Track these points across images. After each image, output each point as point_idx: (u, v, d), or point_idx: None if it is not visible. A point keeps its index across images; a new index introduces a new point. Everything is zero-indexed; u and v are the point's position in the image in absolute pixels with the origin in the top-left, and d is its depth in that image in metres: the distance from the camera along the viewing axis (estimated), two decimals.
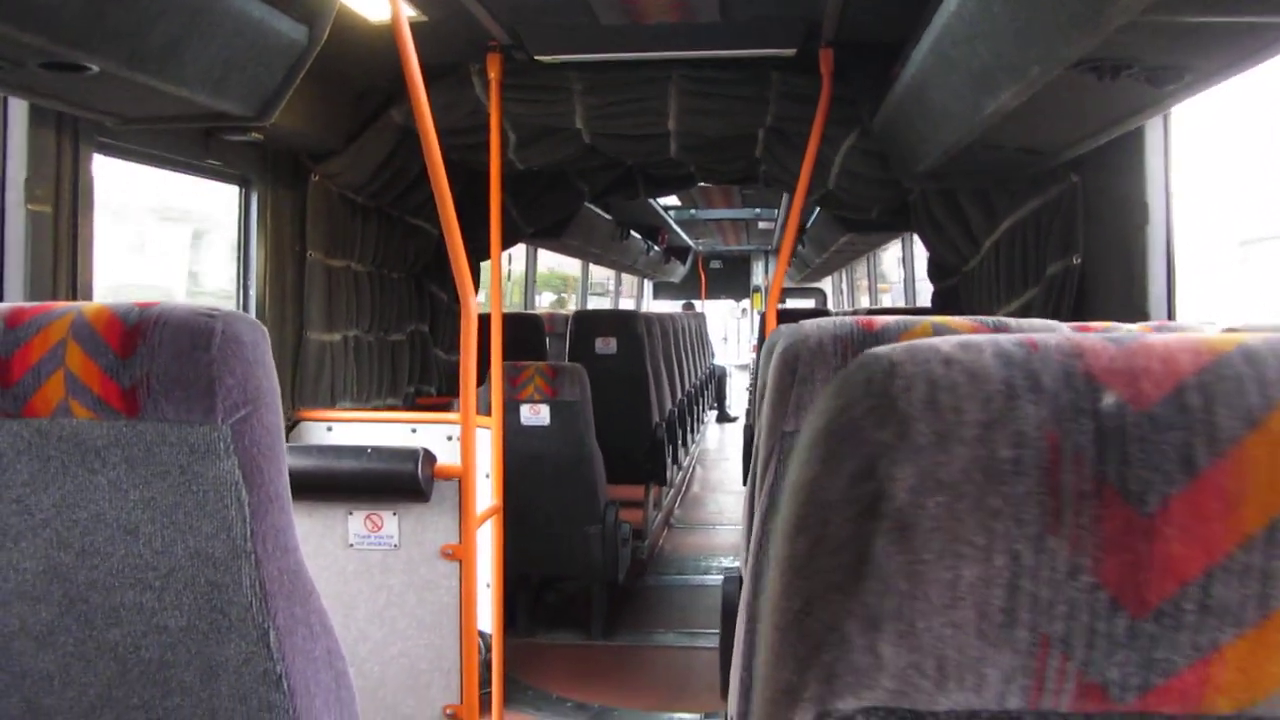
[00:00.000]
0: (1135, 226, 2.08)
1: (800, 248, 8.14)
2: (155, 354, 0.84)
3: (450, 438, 2.57)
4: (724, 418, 11.08)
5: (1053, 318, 2.34)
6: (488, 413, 2.59)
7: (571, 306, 10.77)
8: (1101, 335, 0.45)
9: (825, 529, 0.46)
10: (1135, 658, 0.43)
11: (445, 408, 3.49)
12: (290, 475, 0.92)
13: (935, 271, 3.47)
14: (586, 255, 8.25)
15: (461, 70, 2.92)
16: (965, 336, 0.46)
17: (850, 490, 0.45)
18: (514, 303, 7.55)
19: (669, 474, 5.03)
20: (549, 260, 7.38)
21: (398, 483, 2.00)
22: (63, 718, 0.89)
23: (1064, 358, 0.44)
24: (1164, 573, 0.42)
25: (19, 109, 1.87)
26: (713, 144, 3.18)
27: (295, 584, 0.90)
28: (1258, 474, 0.41)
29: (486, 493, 2.49)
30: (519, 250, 7.07)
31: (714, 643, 3.46)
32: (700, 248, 12.26)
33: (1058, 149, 2.13)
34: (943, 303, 3.37)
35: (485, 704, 2.30)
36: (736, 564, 4.57)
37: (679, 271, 12.39)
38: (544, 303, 10.92)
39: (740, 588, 1.34)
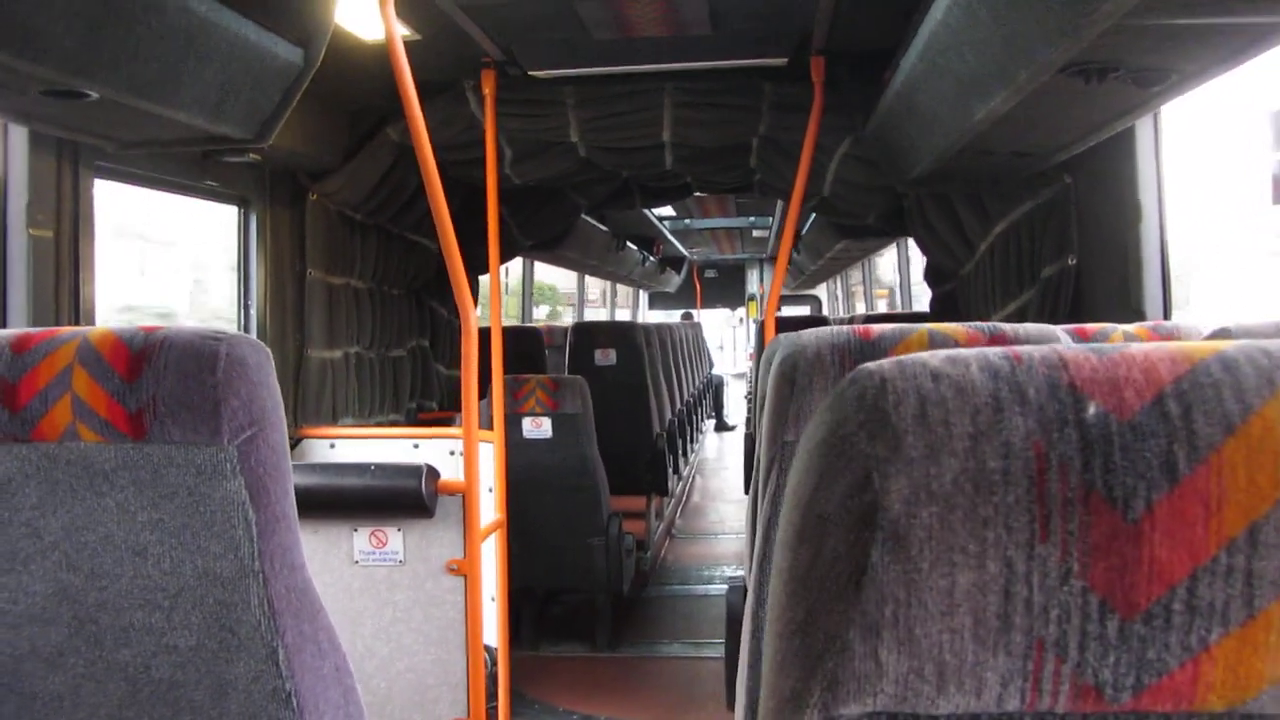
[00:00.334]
0: (1129, 226, 2.09)
1: (795, 255, 8.17)
2: (161, 377, 0.85)
3: (453, 452, 2.57)
4: (722, 426, 11.06)
5: (1050, 320, 2.35)
6: (489, 427, 2.60)
7: (568, 319, 10.78)
8: (1085, 346, 0.47)
9: (824, 541, 0.47)
10: (1127, 658, 0.44)
11: (447, 422, 3.49)
12: (295, 493, 0.93)
13: (932, 276, 3.48)
14: (583, 267, 8.27)
15: (456, 87, 2.94)
16: (952, 351, 0.47)
17: (847, 502, 0.46)
18: (510, 315, 7.56)
19: (670, 484, 5.03)
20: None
21: (402, 499, 2.00)
22: None
23: (1048, 370, 0.45)
24: (1151, 576, 0.43)
25: (19, 135, 1.89)
26: (707, 154, 3.20)
27: (303, 602, 0.90)
28: (1237, 478, 0.42)
29: (490, 507, 2.49)
30: (515, 263, 7.09)
31: (719, 653, 3.46)
32: (695, 257, 12.28)
33: (1049, 152, 2.14)
34: (941, 307, 3.38)
35: (492, 718, 2.29)
36: (740, 573, 4.57)
37: (674, 281, 12.41)
38: (539, 314, 10.93)
39: (745, 597, 1.34)
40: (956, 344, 1.11)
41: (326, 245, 3.00)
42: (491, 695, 2.30)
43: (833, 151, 2.95)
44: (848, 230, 5.26)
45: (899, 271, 6.38)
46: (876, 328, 1.17)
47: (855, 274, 9.25)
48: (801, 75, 2.75)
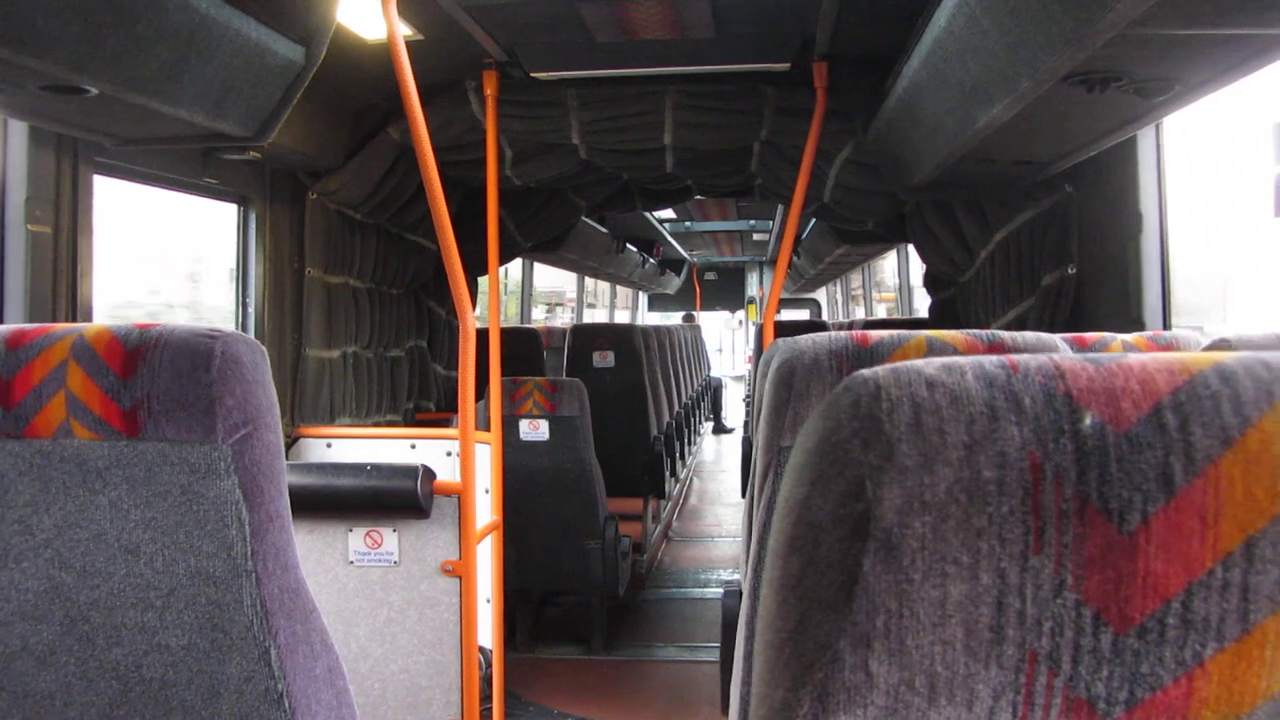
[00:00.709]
0: (1129, 235, 2.09)
1: (795, 259, 8.17)
2: (156, 375, 0.85)
3: (449, 453, 2.57)
4: (720, 429, 11.06)
5: (1049, 328, 2.35)
6: (487, 428, 2.60)
7: (566, 318, 10.76)
8: (1083, 356, 0.46)
9: (816, 549, 0.46)
10: (1121, 673, 0.44)
11: (444, 423, 3.49)
12: (290, 493, 0.92)
13: (932, 282, 3.48)
14: (583, 269, 8.27)
15: (458, 88, 2.94)
16: (949, 359, 0.47)
17: (839, 510, 0.45)
18: (509, 316, 7.55)
19: (667, 487, 5.03)
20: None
21: (397, 499, 2.00)
22: None
23: (1044, 379, 0.44)
24: (1146, 589, 0.43)
25: (19, 130, 1.89)
26: (708, 158, 3.20)
27: (296, 602, 0.90)
28: (1234, 492, 0.42)
29: (486, 508, 2.49)
30: (514, 264, 7.09)
31: (715, 656, 3.45)
32: (695, 259, 12.29)
33: (1050, 160, 2.14)
34: (941, 314, 3.39)
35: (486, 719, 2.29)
36: (736, 577, 4.57)
37: (674, 283, 12.41)
38: (536, 315, 10.88)
39: (740, 601, 1.34)
40: (955, 351, 1.11)
41: (326, 244, 2.99)
42: (486, 697, 2.29)
43: (834, 157, 2.95)
44: (848, 235, 5.26)
45: (899, 277, 6.39)
46: (874, 334, 1.17)
47: (856, 278, 9.25)
48: (804, 80, 2.75)
